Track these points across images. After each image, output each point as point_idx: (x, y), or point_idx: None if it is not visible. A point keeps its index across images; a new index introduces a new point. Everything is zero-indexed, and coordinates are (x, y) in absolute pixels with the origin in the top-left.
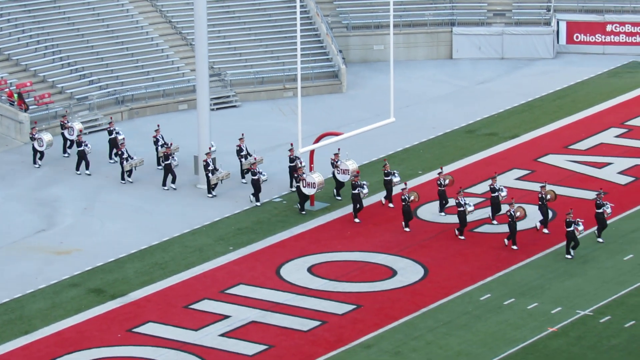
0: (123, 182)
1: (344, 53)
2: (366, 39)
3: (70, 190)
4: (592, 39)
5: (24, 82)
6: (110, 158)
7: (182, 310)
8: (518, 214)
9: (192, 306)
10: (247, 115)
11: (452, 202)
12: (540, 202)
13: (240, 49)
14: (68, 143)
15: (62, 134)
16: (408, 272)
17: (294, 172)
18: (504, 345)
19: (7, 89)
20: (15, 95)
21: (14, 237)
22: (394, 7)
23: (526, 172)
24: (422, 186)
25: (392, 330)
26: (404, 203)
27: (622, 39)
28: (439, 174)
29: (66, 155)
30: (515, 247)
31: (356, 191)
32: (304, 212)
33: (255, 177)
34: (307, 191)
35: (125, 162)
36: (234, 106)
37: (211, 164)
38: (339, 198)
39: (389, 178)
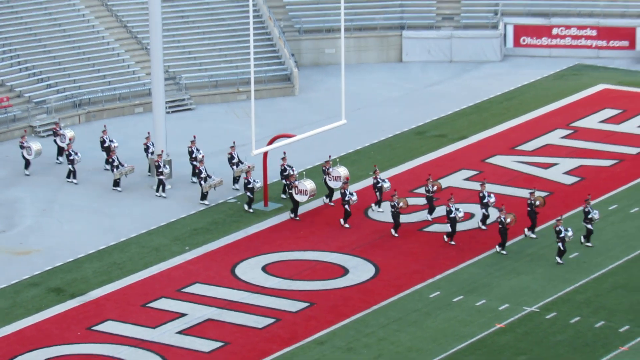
0: (119, 190)
1: (296, 56)
2: (318, 42)
3: (29, 192)
4: (538, 42)
5: None
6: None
7: (140, 309)
8: (509, 220)
9: (149, 304)
10: (202, 117)
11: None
12: (529, 208)
13: (194, 52)
14: (58, 150)
15: (55, 140)
16: (359, 270)
17: (286, 179)
18: (453, 341)
19: None
20: None
21: None
22: (345, 11)
23: (474, 172)
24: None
25: (345, 327)
26: (392, 209)
27: (568, 42)
28: (427, 180)
29: (58, 161)
30: (504, 252)
31: (346, 198)
32: (297, 218)
33: (250, 186)
34: (300, 198)
35: (115, 169)
36: (189, 109)
37: (162, 166)
38: (332, 204)
39: (380, 185)
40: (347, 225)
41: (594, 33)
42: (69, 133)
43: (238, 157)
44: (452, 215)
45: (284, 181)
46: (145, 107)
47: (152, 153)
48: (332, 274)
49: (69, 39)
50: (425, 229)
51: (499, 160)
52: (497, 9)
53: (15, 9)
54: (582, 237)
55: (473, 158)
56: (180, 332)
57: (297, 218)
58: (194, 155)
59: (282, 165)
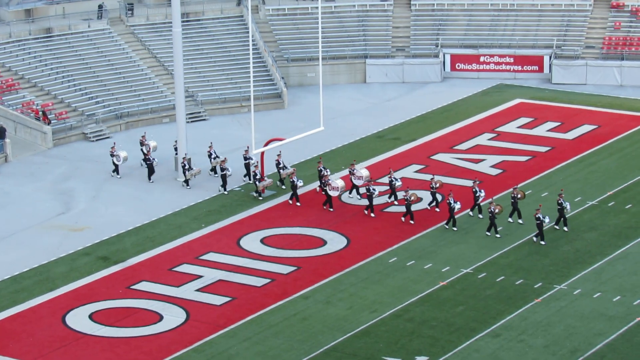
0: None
1: (285, 79)
2: (302, 68)
3: (82, 183)
4: (469, 67)
5: (47, 102)
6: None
7: (167, 272)
8: (497, 210)
9: (174, 269)
10: (213, 126)
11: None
12: (512, 200)
13: (207, 76)
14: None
15: (142, 149)
16: (335, 242)
17: (322, 179)
18: (407, 296)
19: (34, 108)
20: (41, 113)
21: (40, 218)
22: (322, 44)
23: (422, 166)
24: (346, 177)
25: (324, 285)
26: (406, 202)
27: (492, 67)
28: (431, 179)
29: (144, 165)
30: (498, 236)
31: (369, 192)
32: (331, 209)
33: (293, 182)
34: (332, 193)
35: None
36: (204, 119)
37: (187, 164)
38: (359, 197)
39: (393, 183)
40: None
41: (511, 60)
42: (152, 143)
43: (284, 162)
44: (451, 206)
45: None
46: (170, 118)
47: (215, 158)
48: (314, 245)
49: (112, 66)
50: (386, 210)
51: (441, 157)
52: (438, 42)
53: (72, 44)
54: (555, 223)
55: (421, 155)
56: (198, 290)
57: (332, 209)
58: (281, 166)
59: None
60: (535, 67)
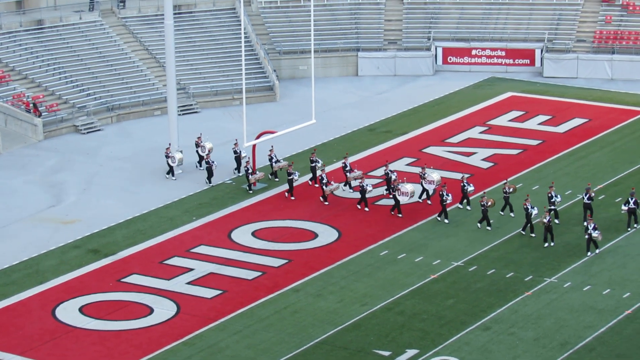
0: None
1: (277, 72)
2: (293, 61)
3: (73, 176)
4: (461, 60)
5: (38, 94)
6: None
7: (158, 265)
8: (489, 203)
9: (165, 262)
10: (205, 119)
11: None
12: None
13: (199, 69)
14: (199, 158)
15: (197, 151)
16: (326, 234)
17: (390, 183)
18: (398, 289)
19: (25, 100)
20: (31, 105)
21: (31, 211)
22: (314, 38)
23: (413, 159)
24: (338, 170)
25: (315, 278)
26: (482, 207)
27: (484, 61)
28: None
29: (201, 168)
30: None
31: (443, 198)
32: (400, 215)
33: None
34: (402, 199)
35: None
36: (196, 112)
37: (250, 168)
38: (429, 202)
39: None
40: (446, 221)
41: (503, 53)
42: (208, 145)
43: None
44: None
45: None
46: (162, 110)
47: (278, 162)
48: (305, 238)
49: (104, 58)
50: (376, 203)
51: (433, 150)
52: (430, 36)
53: (63, 36)
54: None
55: (412, 148)
56: (189, 283)
57: (400, 215)
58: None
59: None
60: (527, 61)
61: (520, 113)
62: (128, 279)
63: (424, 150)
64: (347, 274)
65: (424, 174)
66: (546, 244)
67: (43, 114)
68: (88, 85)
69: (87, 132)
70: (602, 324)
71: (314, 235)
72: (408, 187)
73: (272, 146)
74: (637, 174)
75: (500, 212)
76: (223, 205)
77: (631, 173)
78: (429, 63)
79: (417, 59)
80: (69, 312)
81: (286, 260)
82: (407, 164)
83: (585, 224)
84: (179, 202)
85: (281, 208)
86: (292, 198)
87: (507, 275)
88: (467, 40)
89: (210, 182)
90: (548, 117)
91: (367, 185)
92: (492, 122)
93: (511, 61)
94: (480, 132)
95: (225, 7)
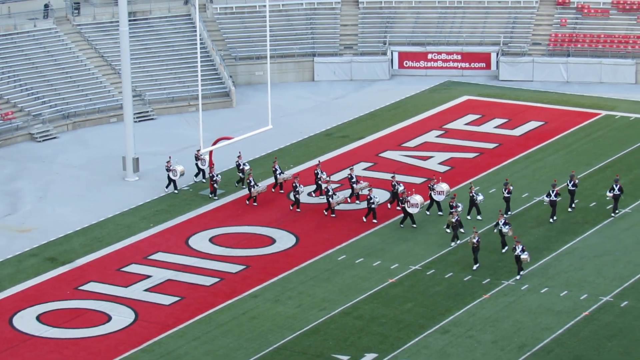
0: (255, 204)
1: (233, 78)
2: (249, 67)
3: (29, 184)
4: (417, 64)
5: None
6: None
7: (116, 272)
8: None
9: (123, 269)
10: (162, 125)
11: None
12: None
13: (155, 75)
14: (198, 171)
15: (197, 164)
16: (284, 240)
17: (399, 195)
18: (356, 293)
19: None
20: None
21: None
22: (270, 43)
23: (370, 164)
24: (300, 173)
25: (273, 284)
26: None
27: (440, 65)
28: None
29: (197, 180)
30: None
31: (452, 210)
32: (414, 225)
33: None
34: (412, 210)
35: (252, 188)
36: (152, 119)
37: (252, 180)
38: (441, 213)
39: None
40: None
41: (459, 57)
42: (179, 168)
43: (243, 163)
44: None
45: (240, 174)
46: (118, 117)
47: (242, 171)
48: (263, 243)
49: (59, 65)
50: (336, 208)
51: (389, 154)
52: (385, 40)
53: (18, 43)
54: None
55: (369, 153)
56: (146, 290)
57: (415, 225)
58: (241, 167)
59: (237, 160)
60: (483, 64)
61: (477, 116)
62: (85, 287)
63: (381, 155)
64: (305, 279)
65: (433, 186)
66: (504, 250)
67: None
68: (43, 93)
69: (43, 140)
70: (560, 325)
71: (272, 241)
72: (417, 198)
73: (239, 152)
74: (595, 174)
75: (467, 217)
76: (180, 212)
77: (589, 174)
78: (385, 67)
79: (373, 64)
80: (26, 321)
81: (244, 266)
82: (364, 169)
83: (505, 217)
84: (136, 209)
85: (239, 214)
86: (298, 210)
87: (465, 279)
88: (422, 45)
89: (213, 195)
90: (504, 120)
91: (374, 196)
92: (449, 125)
93: (467, 65)
94: (437, 136)
95: (180, 13)
